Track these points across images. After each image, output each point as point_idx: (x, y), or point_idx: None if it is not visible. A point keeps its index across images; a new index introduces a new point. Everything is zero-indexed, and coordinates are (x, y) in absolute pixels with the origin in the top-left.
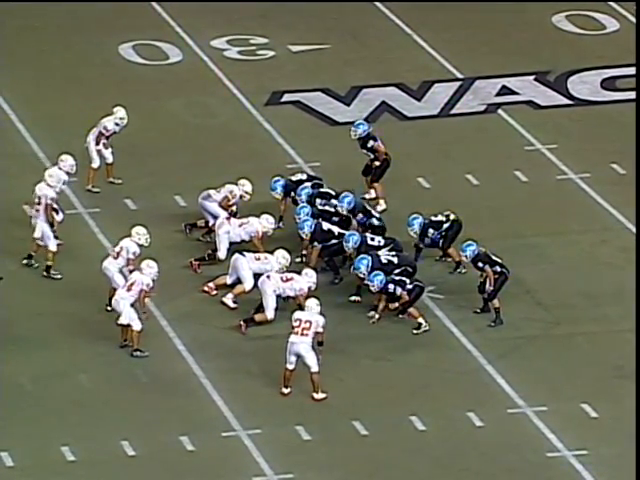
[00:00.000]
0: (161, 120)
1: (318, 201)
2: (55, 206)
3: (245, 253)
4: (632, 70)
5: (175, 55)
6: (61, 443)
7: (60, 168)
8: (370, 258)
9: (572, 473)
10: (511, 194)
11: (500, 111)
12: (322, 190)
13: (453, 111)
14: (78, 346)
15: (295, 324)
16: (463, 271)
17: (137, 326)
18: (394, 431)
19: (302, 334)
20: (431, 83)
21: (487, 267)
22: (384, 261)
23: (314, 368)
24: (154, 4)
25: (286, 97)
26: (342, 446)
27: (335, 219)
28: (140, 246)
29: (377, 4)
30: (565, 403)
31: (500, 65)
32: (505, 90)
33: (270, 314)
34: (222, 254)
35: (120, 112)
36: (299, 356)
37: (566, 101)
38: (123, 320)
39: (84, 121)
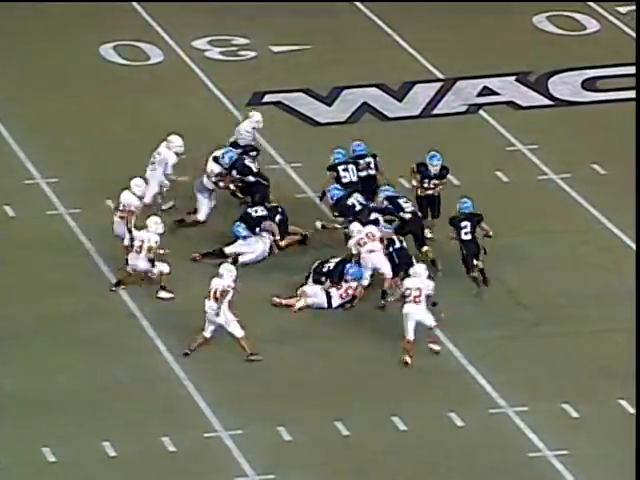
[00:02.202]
0: (142, 121)
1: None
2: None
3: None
4: (613, 71)
5: (156, 55)
6: (42, 444)
7: (169, 148)
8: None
9: (553, 473)
10: (492, 194)
11: (481, 112)
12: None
13: (434, 112)
14: (59, 346)
15: (407, 293)
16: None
17: (239, 332)
18: (376, 431)
19: (415, 302)
20: (412, 84)
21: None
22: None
23: (432, 323)
24: (135, 4)
25: (267, 98)
26: (324, 446)
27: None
28: (160, 235)
29: (358, 4)
30: (546, 403)
31: (481, 66)
32: (486, 91)
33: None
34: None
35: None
36: (418, 323)
37: (547, 102)
38: (234, 332)
39: (65, 122)
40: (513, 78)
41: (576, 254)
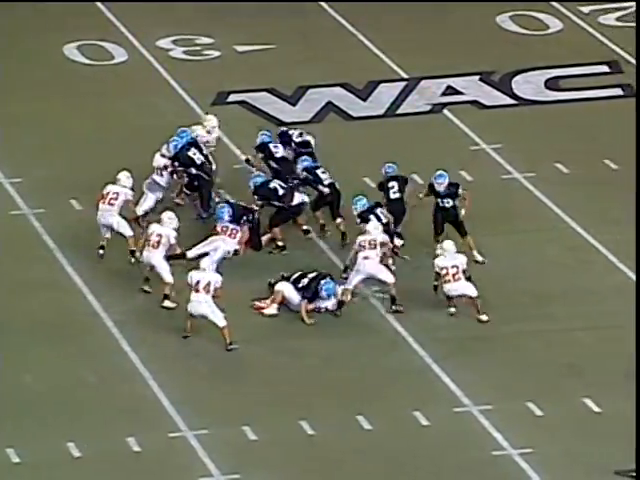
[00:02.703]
0: (107, 120)
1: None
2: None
3: None
4: (576, 70)
5: (120, 55)
6: (6, 445)
7: (204, 126)
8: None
9: (517, 472)
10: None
11: (445, 111)
12: None
13: (399, 111)
14: (24, 346)
15: (442, 272)
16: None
17: (223, 322)
18: (341, 430)
19: (454, 280)
20: (377, 83)
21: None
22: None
23: (475, 293)
24: (98, 4)
25: (232, 97)
26: (289, 446)
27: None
28: (176, 230)
29: (322, 4)
30: (511, 402)
31: (445, 65)
32: (450, 90)
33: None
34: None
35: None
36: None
37: (511, 101)
38: (217, 321)
39: (29, 122)
40: (477, 77)
41: (541, 253)
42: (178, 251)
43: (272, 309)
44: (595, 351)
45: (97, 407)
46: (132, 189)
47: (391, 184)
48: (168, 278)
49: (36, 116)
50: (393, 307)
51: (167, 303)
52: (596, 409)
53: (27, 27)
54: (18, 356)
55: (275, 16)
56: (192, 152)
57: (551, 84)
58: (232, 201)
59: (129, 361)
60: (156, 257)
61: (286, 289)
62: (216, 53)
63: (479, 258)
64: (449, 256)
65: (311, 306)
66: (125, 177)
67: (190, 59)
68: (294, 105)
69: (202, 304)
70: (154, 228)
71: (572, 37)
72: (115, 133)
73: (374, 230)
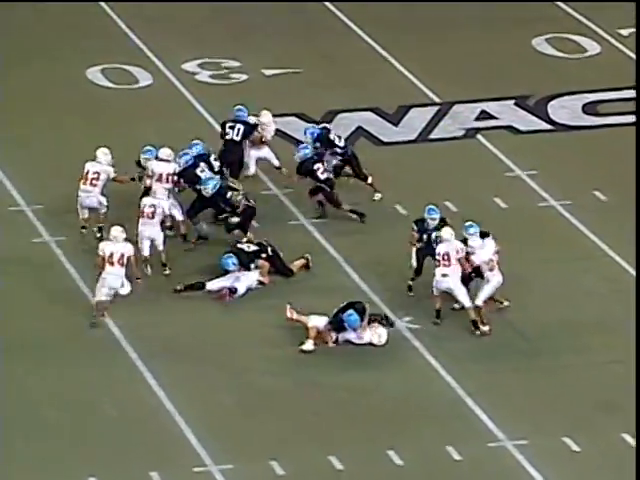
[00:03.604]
0: (131, 145)
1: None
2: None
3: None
4: (614, 95)
5: (145, 79)
6: (26, 479)
7: (259, 122)
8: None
9: None
10: (490, 221)
11: (479, 136)
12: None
13: (431, 136)
14: (43, 376)
15: (437, 258)
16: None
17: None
18: (371, 466)
19: (443, 265)
20: (408, 107)
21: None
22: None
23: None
24: (123, 26)
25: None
26: None
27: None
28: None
29: (352, 26)
30: (546, 437)
31: (479, 89)
32: (484, 115)
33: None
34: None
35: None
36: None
37: (546, 126)
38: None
39: (49, 147)
40: (512, 102)
41: (577, 283)
42: (182, 230)
43: (309, 345)
44: (632, 384)
45: (120, 440)
46: (113, 165)
47: (317, 166)
48: (161, 246)
49: (58, 140)
50: (477, 332)
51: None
52: (632, 443)
53: (49, 49)
54: (36, 386)
55: (303, 39)
56: (200, 169)
57: (588, 109)
58: (240, 246)
59: (153, 394)
60: (152, 229)
61: (319, 323)
62: (243, 77)
63: (505, 303)
64: (447, 243)
65: (334, 335)
66: (103, 154)
67: (217, 83)
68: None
69: (117, 278)
70: (146, 201)
71: (610, 60)
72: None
73: (449, 236)
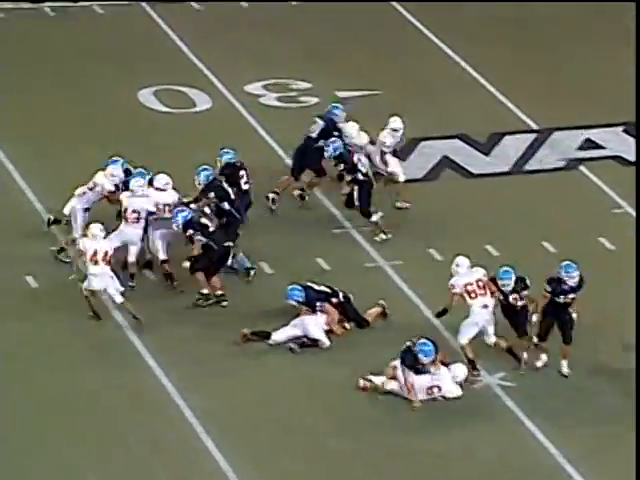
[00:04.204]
0: (187, 175)
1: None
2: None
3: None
4: None
5: (203, 102)
6: None
7: (392, 129)
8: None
9: None
10: (595, 264)
11: (582, 167)
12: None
13: (527, 167)
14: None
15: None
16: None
17: (120, 298)
18: None
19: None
20: (501, 135)
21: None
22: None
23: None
24: (179, 43)
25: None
26: None
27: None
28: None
29: (438, 43)
30: None
31: (582, 114)
32: (589, 143)
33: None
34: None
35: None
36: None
37: None
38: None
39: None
40: (620, 129)
41: None
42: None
43: (393, 384)
44: None
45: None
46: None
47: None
48: (162, 256)
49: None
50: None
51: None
52: None
53: (98, 69)
54: (59, 428)
55: (382, 58)
56: (226, 184)
57: None
58: (309, 284)
59: (209, 455)
60: (131, 232)
61: (395, 386)
62: (314, 100)
63: (565, 370)
64: (467, 272)
65: (419, 381)
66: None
67: (284, 106)
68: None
69: (103, 277)
70: (128, 203)
71: None
72: (196, 189)
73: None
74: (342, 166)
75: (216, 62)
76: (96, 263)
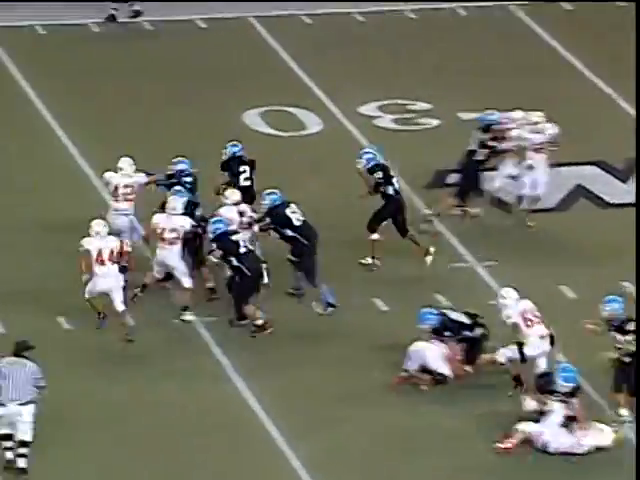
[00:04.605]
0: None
1: None
2: None
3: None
4: None
5: (314, 124)
6: None
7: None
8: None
9: None
10: None
11: None
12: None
13: None
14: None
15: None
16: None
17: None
18: None
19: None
20: None
21: None
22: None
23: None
24: (288, 60)
25: (454, 177)
26: None
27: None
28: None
29: (570, 59)
30: None
31: None
32: None
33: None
34: None
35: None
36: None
37: None
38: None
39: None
40: None
41: None
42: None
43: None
44: None
45: None
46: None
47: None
48: (187, 283)
49: (208, 194)
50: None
51: (188, 316)
52: None
53: (201, 88)
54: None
55: (509, 76)
56: (290, 210)
57: None
58: (447, 312)
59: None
60: (173, 256)
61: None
62: (434, 122)
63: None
64: (515, 302)
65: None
66: (128, 164)
67: (401, 129)
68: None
69: (109, 278)
70: (159, 220)
71: None
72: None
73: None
74: (380, 174)
75: (327, 81)
76: (102, 263)
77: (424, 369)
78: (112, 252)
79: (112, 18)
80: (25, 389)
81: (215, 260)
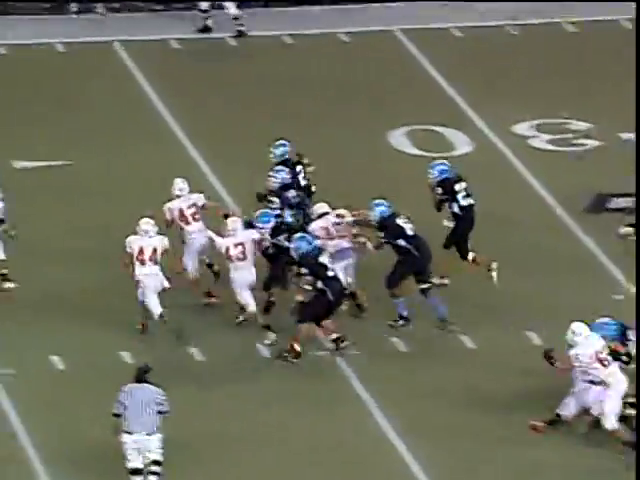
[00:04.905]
0: (436, 225)
1: None
2: None
3: None
4: None
5: (463, 144)
6: None
7: None
8: None
9: None
10: None
11: None
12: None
13: None
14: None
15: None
16: None
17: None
18: None
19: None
20: None
21: None
22: None
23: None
24: (435, 75)
25: (616, 203)
26: None
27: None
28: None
29: None
30: None
31: None
32: None
33: None
34: None
35: None
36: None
37: None
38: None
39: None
40: None
41: None
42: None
43: None
44: None
45: None
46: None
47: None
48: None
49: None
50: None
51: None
52: None
53: (342, 104)
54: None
55: None
56: (402, 219)
57: None
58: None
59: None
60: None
61: None
62: (594, 143)
63: None
64: (586, 340)
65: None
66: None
67: (557, 150)
68: None
69: (151, 279)
70: (223, 241)
71: None
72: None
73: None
74: (440, 191)
75: (478, 97)
76: (142, 263)
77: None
78: (155, 251)
79: (206, 29)
80: (150, 417)
81: (307, 287)
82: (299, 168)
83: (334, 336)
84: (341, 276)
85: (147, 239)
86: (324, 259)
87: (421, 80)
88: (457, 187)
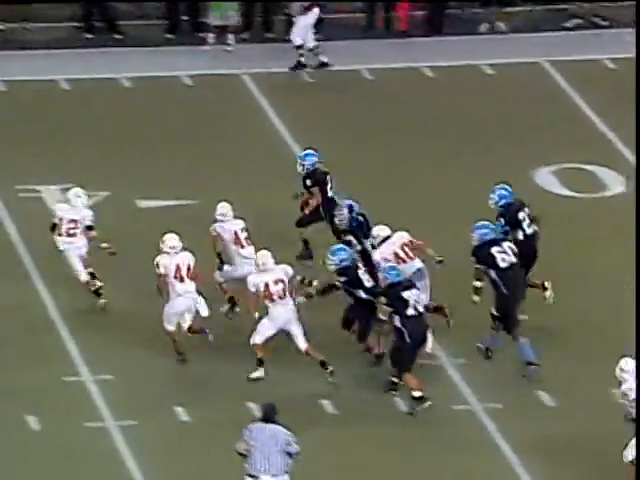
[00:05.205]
0: (600, 273)
1: None
2: None
3: None
4: None
5: (616, 184)
6: None
7: None
8: None
9: None
10: None
11: None
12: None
13: None
14: None
15: None
16: None
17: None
18: None
19: None
20: None
21: None
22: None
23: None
24: (586, 109)
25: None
26: None
27: None
28: None
29: None
30: None
31: None
32: None
33: None
34: None
35: None
36: None
37: None
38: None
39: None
40: None
41: None
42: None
43: None
44: None
45: None
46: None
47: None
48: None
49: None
50: None
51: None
52: None
53: (488, 141)
54: None
55: None
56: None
57: None
58: None
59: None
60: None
61: None
62: None
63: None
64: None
65: None
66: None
67: None
68: None
69: (188, 297)
70: (255, 278)
71: None
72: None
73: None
74: (501, 220)
75: (633, 133)
76: (181, 280)
77: None
78: (189, 268)
79: (300, 65)
80: (277, 460)
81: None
82: (328, 178)
83: (418, 394)
84: (423, 296)
85: (179, 256)
86: (409, 294)
87: (570, 115)
88: (520, 215)
